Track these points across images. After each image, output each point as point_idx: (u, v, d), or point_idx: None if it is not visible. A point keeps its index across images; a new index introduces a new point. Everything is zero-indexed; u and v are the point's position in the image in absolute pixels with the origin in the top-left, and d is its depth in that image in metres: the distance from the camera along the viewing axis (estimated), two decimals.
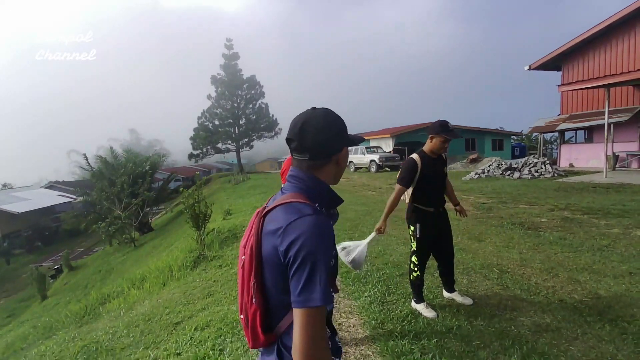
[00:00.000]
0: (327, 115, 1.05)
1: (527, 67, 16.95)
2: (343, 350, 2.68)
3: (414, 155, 2.94)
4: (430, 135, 2.90)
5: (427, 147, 2.93)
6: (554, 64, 16.62)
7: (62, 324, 6.28)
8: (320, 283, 0.85)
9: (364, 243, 2.58)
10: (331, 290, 0.92)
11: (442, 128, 2.81)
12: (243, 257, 1.02)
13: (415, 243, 2.97)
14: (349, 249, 2.54)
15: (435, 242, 2.99)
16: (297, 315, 0.85)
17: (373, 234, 2.81)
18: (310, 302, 0.84)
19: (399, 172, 2.99)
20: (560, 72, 16.69)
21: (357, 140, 1.11)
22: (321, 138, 1.01)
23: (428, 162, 2.88)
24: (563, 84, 13.93)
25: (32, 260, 24.67)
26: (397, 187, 2.92)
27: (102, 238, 19.27)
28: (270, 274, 0.94)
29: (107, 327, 4.17)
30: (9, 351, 6.29)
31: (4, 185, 45.00)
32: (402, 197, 3.00)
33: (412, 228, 2.96)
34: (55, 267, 20.29)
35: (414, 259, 3.02)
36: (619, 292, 3.26)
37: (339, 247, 2.56)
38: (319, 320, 0.84)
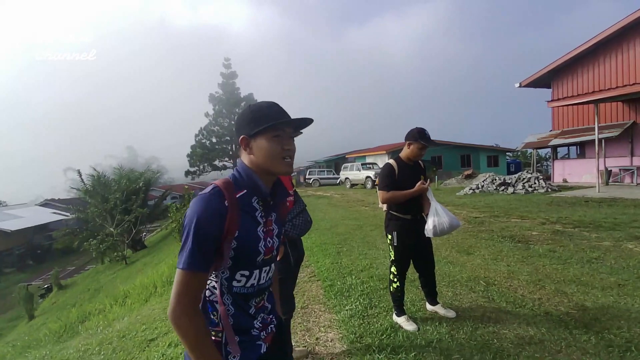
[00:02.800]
0: (242, 110, 1.16)
1: (517, 85, 17.21)
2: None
3: (390, 161, 2.90)
4: (407, 142, 2.87)
5: (403, 154, 2.90)
6: (544, 81, 16.90)
7: (39, 343, 6.06)
8: (188, 249, 0.96)
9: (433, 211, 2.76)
10: (209, 261, 0.99)
11: (419, 135, 2.79)
12: None
13: (393, 252, 2.89)
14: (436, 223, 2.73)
15: (413, 250, 2.91)
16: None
17: (432, 200, 2.81)
18: (179, 264, 0.97)
19: (378, 179, 2.94)
20: (550, 89, 16.96)
21: (256, 122, 1.06)
22: (235, 129, 1.15)
23: (404, 169, 2.84)
24: (552, 100, 14.11)
25: (23, 279, 24.18)
26: (381, 192, 2.86)
27: (93, 256, 18.96)
28: None
29: (79, 345, 4.00)
30: None
31: None
32: (380, 206, 2.95)
33: (389, 237, 2.89)
34: (45, 285, 19.88)
35: (393, 269, 2.93)
36: (606, 304, 3.16)
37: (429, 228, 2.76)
38: (184, 282, 0.96)
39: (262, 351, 1.11)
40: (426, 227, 2.76)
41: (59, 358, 3.68)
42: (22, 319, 14.80)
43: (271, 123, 1.04)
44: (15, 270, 27.42)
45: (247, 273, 1.07)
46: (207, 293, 1.07)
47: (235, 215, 1.00)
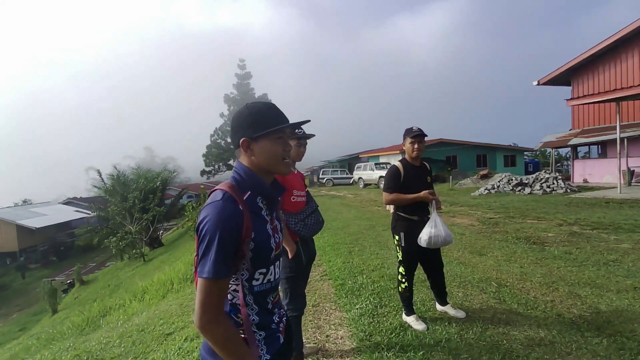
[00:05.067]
0: (238, 110, 1.17)
1: (535, 83, 16.84)
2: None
3: (396, 163, 2.97)
4: (402, 143, 2.98)
5: (406, 155, 2.97)
6: (563, 79, 16.48)
7: (63, 335, 6.34)
8: (211, 259, 0.98)
9: (432, 223, 2.79)
10: (232, 266, 1.03)
11: (405, 132, 2.92)
12: None
13: (401, 253, 2.93)
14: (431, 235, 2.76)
15: (421, 251, 2.94)
16: (197, 283, 1.02)
17: (433, 212, 2.84)
18: (203, 273, 0.99)
19: (384, 181, 3.00)
20: (570, 87, 16.52)
21: (258, 124, 1.10)
22: (231, 129, 1.17)
23: (410, 170, 2.89)
24: (572, 98, 13.75)
25: (47, 274, 25.14)
26: (384, 193, 2.93)
27: (113, 253, 19.54)
28: None
29: (101, 337, 4.19)
30: None
31: (24, 202, 46.40)
32: (387, 208, 3.00)
33: (396, 237, 2.93)
34: (68, 281, 20.62)
35: (401, 269, 2.96)
36: (620, 307, 3.11)
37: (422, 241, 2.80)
38: (209, 290, 0.99)
39: (280, 342, 1.19)
40: (421, 236, 2.79)
41: (82, 349, 3.87)
42: (46, 313, 15.40)
43: (278, 127, 1.10)
44: (39, 266, 28.52)
45: (264, 270, 1.13)
46: (229, 297, 1.10)
47: (249, 217, 1.05)
